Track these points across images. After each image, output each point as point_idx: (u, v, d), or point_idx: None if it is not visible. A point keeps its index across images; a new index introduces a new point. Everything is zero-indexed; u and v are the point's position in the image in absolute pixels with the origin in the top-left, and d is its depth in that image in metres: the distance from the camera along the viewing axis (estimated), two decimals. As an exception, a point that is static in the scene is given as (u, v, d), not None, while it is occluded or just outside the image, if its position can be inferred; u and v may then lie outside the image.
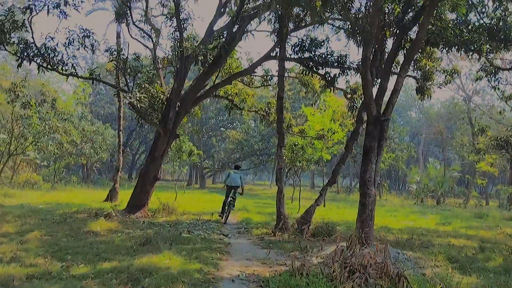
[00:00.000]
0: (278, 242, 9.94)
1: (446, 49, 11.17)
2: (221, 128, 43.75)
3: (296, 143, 18.66)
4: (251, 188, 48.61)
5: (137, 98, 12.31)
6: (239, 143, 38.77)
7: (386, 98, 10.01)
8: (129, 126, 43.17)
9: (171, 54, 14.46)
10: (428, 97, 14.33)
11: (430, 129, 44.85)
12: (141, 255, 7.49)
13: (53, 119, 23.10)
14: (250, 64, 16.85)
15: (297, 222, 11.62)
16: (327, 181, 12.87)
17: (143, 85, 13.19)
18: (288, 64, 15.88)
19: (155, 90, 13.50)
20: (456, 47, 10.92)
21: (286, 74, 15.14)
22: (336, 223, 13.88)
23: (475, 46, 11.17)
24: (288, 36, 13.61)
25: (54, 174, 28.13)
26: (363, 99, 11.30)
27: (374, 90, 9.65)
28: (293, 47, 13.28)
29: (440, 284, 6.22)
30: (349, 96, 15.86)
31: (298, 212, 18.08)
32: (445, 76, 14.30)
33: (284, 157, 23.06)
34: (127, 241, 8.87)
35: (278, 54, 13.30)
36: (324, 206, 22.49)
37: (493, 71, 14.00)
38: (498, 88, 14.75)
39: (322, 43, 13.17)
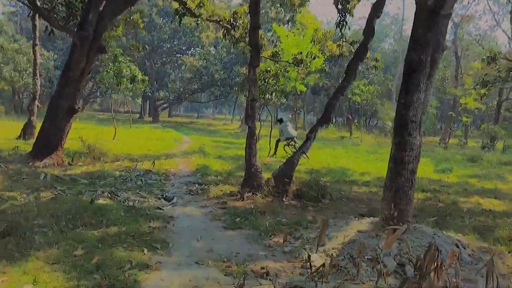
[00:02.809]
0: (250, 213, 6.39)
1: None
2: (177, 54, 38.33)
3: (268, 69, 14.71)
4: (210, 123, 44.71)
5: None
6: (197, 71, 33.90)
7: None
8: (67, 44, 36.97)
9: None
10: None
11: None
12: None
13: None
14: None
15: (273, 178, 8.07)
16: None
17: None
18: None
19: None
20: None
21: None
22: (326, 177, 10.54)
23: None
24: None
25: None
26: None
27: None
28: None
29: None
30: (340, 5, 11.88)
31: (268, 155, 14.60)
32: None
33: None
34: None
35: None
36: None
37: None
38: None
39: None
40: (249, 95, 8.06)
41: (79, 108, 10.08)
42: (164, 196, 7.37)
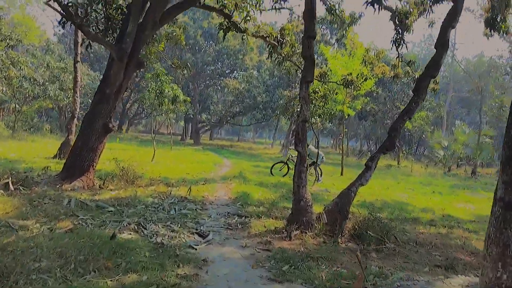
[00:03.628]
0: (300, 259, 5.20)
1: None
2: (220, 77, 38.13)
3: (316, 90, 13.64)
4: (250, 146, 43.94)
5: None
6: (239, 94, 33.38)
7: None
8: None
9: None
10: (503, 33, 10.08)
11: (459, 87, 39.79)
12: None
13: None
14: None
15: (326, 213, 6.86)
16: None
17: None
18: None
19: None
20: None
21: None
22: (381, 212, 9.19)
23: None
24: None
25: (15, 119, 23.17)
26: None
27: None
28: None
29: None
30: (398, 21, 10.78)
31: (313, 185, 13.32)
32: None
33: (298, 110, 18.15)
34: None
35: None
36: (341, 174, 17.83)
37: None
38: None
39: None
40: (299, 115, 6.98)
41: (113, 127, 9.38)
42: (199, 230, 6.32)
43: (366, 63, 15.40)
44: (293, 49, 12.06)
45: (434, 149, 30.87)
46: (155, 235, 5.79)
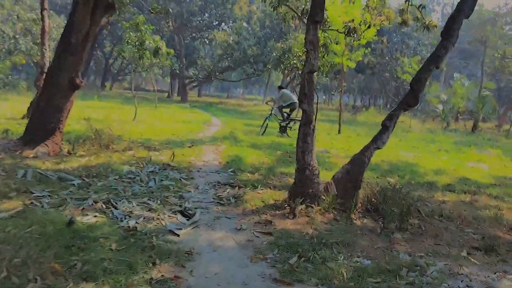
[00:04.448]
0: (311, 247, 4.12)
1: None
2: (208, 30, 35.80)
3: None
4: (240, 103, 42.42)
5: None
6: (228, 47, 31.39)
7: None
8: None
9: None
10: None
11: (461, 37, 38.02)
12: None
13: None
14: None
15: (334, 182, 5.75)
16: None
17: None
18: None
19: None
20: None
21: None
22: (391, 176, 8.16)
23: None
24: None
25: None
26: None
27: None
28: None
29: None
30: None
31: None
32: None
33: (294, 62, 16.68)
34: None
35: None
36: (339, 132, 16.72)
37: None
38: None
39: None
40: (306, 64, 5.65)
41: (82, 82, 7.96)
42: (183, 208, 5.16)
43: (370, 8, 13.84)
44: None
45: (431, 103, 29.86)
46: (127, 217, 4.62)
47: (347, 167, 5.93)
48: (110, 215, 4.65)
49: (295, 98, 13.79)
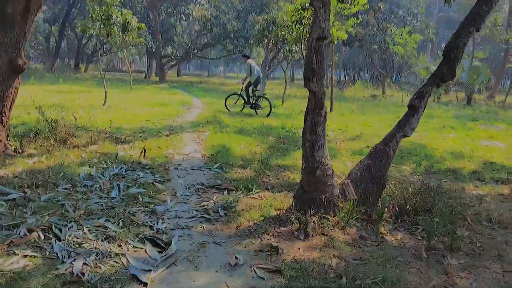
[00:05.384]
0: (336, 285, 2.82)
1: None
2: (183, 3, 33.45)
3: (305, 6, 10.71)
4: (222, 82, 40.64)
5: None
6: (207, 22, 29.32)
7: None
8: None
9: None
10: None
11: (444, 5, 36.66)
12: None
13: None
14: None
15: (351, 182, 4.45)
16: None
17: None
18: None
19: None
20: None
21: None
22: (405, 162, 6.91)
23: None
24: None
25: None
26: None
27: None
28: None
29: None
30: None
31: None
32: None
33: (279, 33, 15.10)
34: None
35: None
36: (331, 110, 15.40)
37: None
38: None
39: None
40: (313, 29, 4.23)
41: (25, 63, 6.35)
42: (154, 231, 3.78)
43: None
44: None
45: (420, 75, 28.73)
46: (72, 253, 3.22)
47: (367, 162, 4.63)
48: (48, 251, 3.24)
49: (259, 71, 13.55)
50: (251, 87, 13.22)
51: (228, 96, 14.12)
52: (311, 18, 10.96)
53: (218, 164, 6.36)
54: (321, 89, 4.29)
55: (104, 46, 39.88)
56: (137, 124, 9.85)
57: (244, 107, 13.53)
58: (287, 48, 16.78)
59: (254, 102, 13.13)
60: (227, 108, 13.66)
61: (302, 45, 13.58)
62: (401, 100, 21.95)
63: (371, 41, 26.03)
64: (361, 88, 29.43)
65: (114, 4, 12.56)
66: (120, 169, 5.68)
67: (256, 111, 13.05)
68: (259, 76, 13.39)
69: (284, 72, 19.29)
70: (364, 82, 34.63)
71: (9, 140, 6.59)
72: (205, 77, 52.37)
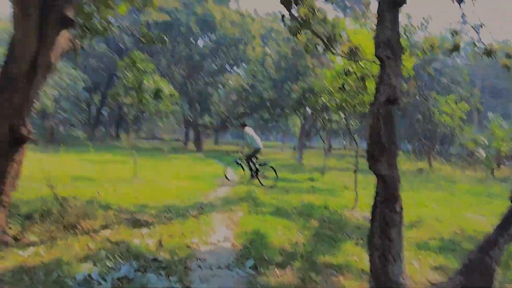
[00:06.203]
0: None
1: None
2: (220, 73, 34.02)
3: (349, 70, 9.83)
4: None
5: None
6: (243, 91, 29.41)
7: None
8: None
9: None
10: None
11: (486, 74, 35.40)
12: None
13: None
14: None
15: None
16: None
17: None
18: None
19: None
20: None
21: None
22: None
23: None
24: None
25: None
26: None
27: None
28: None
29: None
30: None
31: (354, 208, 9.26)
32: None
33: (319, 101, 14.29)
34: None
35: None
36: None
37: None
38: None
39: None
40: (378, 92, 3.18)
41: (30, 133, 5.57)
42: None
43: (405, 31, 11.63)
44: (312, 12, 8.24)
45: (468, 147, 26.84)
46: None
47: (459, 278, 3.28)
48: None
49: (260, 144, 13.09)
50: (251, 157, 12.77)
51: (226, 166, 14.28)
52: (353, 85, 10.08)
53: (252, 262, 5.10)
54: (394, 172, 3.13)
55: (144, 115, 40.79)
56: (164, 201, 8.88)
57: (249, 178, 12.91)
58: (326, 117, 15.91)
59: (255, 170, 12.61)
60: (226, 178, 13.33)
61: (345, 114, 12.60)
62: (451, 175, 20.15)
63: (414, 110, 24.85)
64: (404, 161, 27.79)
65: (147, 72, 12.27)
66: (129, 269, 4.54)
67: (260, 181, 12.40)
68: (258, 148, 12.91)
69: (323, 141, 18.28)
70: (406, 154, 32.97)
71: (10, 223, 5.67)
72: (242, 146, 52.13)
